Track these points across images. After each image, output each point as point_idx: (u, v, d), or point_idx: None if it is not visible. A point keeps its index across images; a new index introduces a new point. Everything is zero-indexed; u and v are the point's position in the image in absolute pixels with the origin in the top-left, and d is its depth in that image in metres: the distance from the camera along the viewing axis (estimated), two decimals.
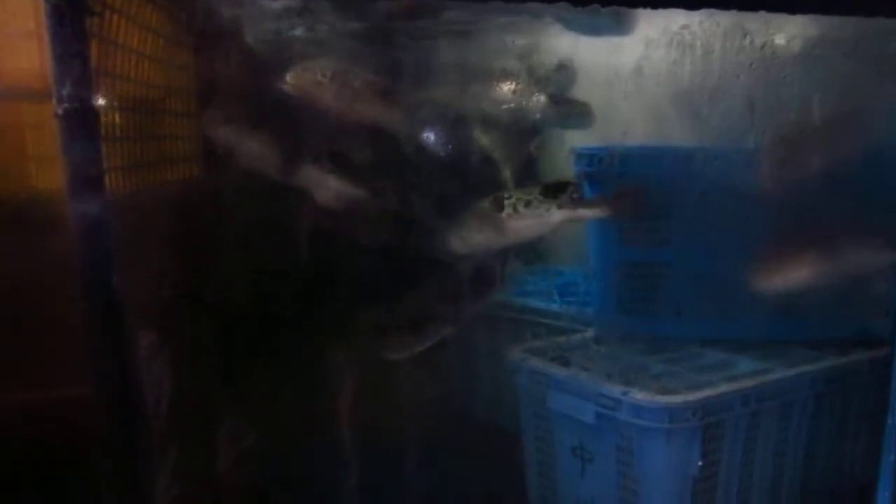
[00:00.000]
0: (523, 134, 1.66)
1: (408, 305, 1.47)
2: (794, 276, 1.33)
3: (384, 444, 1.60)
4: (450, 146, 1.55)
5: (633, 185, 1.40)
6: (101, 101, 0.97)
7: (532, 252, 2.16)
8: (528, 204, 1.31)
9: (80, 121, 0.89)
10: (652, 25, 1.30)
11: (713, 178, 1.39)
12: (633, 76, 1.35)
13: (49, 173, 1.37)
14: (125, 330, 1.06)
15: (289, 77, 1.26)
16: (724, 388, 1.28)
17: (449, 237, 1.34)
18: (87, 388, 1.14)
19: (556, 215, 1.30)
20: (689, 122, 1.42)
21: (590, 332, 1.62)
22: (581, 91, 1.56)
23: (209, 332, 1.46)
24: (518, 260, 1.79)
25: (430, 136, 1.52)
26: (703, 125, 1.41)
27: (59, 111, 0.87)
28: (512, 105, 1.62)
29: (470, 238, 1.33)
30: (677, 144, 1.46)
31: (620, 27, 1.35)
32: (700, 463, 1.25)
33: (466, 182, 1.51)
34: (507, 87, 1.62)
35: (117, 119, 1.12)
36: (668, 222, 1.47)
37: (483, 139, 1.67)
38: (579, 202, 1.33)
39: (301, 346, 1.53)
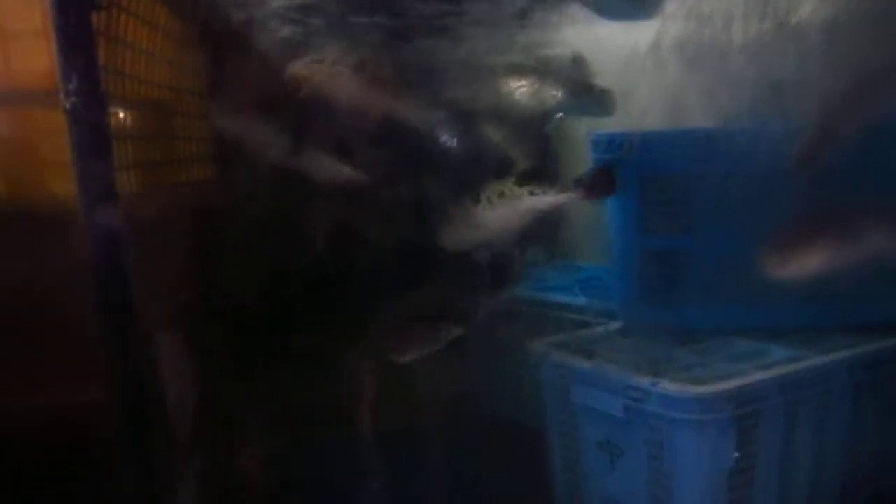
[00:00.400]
0: (539, 124, 1.63)
1: (416, 305, 1.45)
2: (825, 259, 1.28)
3: (403, 444, 1.57)
4: (464, 140, 1.53)
5: (606, 167, 1.37)
6: (109, 99, 0.96)
7: (551, 247, 2.14)
8: (501, 194, 1.30)
9: (88, 115, 0.88)
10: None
11: (736, 160, 1.35)
12: (650, 55, 1.31)
13: (63, 178, 1.37)
14: (140, 332, 1.05)
15: (300, 67, 1.25)
16: (759, 376, 1.23)
17: (438, 233, 1.33)
18: (105, 390, 1.13)
19: (527, 202, 1.30)
20: (709, 102, 1.37)
21: (614, 326, 1.58)
22: (598, 75, 1.52)
23: (223, 333, 1.45)
24: (537, 255, 1.76)
25: (444, 130, 1.50)
26: (724, 104, 1.36)
27: (67, 105, 0.86)
28: (528, 96, 1.59)
29: (453, 233, 1.32)
30: (698, 126, 1.41)
31: (647, 10, 1.31)
32: (736, 455, 1.19)
33: (481, 175, 1.49)
34: (522, 78, 1.60)
35: (127, 118, 1.11)
36: (691, 208, 1.42)
37: (496, 133, 1.64)
38: (552, 188, 1.32)
39: (316, 348, 1.52)
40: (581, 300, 1.79)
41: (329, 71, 1.26)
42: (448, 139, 1.53)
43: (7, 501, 1.35)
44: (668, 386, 1.20)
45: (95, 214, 0.88)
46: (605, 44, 1.53)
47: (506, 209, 1.31)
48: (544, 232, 1.44)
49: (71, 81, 0.85)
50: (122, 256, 0.94)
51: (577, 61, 1.60)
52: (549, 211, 1.33)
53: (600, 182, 1.36)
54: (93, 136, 0.88)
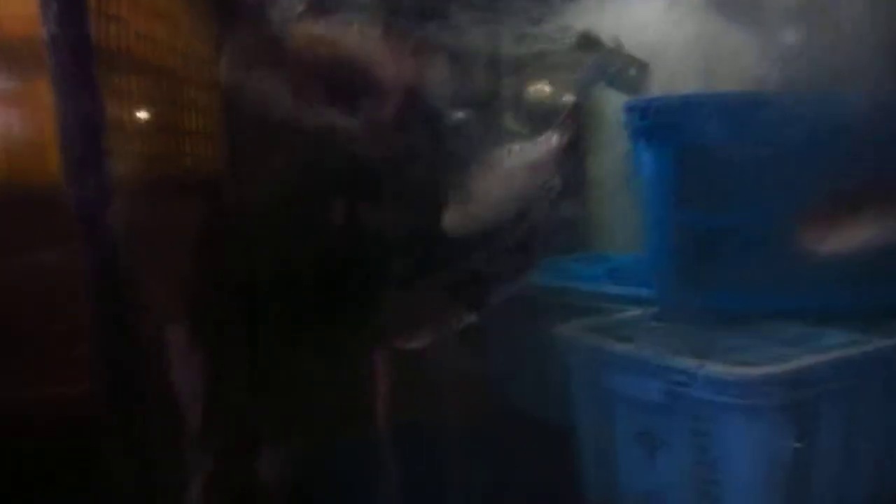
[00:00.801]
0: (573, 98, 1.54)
1: (427, 288, 1.35)
2: (878, 237, 1.18)
3: (422, 440, 1.47)
4: (485, 117, 1.45)
5: (572, 118, 1.30)
6: (99, 39, 0.88)
7: (574, 237, 2.04)
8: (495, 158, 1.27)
9: (72, 49, 0.79)
10: None
11: (785, 127, 1.23)
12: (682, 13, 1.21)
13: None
14: (136, 322, 0.97)
15: (325, 29, 1.17)
16: (817, 358, 1.11)
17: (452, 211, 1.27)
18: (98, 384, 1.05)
19: (509, 161, 1.26)
20: (753, 63, 1.27)
21: (648, 312, 1.46)
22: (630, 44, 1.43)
23: (233, 323, 1.36)
24: (559, 238, 1.66)
25: (466, 107, 1.42)
26: (770, 65, 1.25)
27: (47, 37, 0.77)
28: (563, 71, 1.52)
29: (464, 208, 1.26)
30: (741, 91, 1.31)
31: None
32: (796, 444, 1.07)
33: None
34: (556, 53, 1.52)
35: (121, 77, 1.02)
36: (734, 181, 1.31)
37: (515, 124, 1.57)
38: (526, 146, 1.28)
39: (328, 338, 1.43)
40: (612, 288, 1.69)
41: (358, 33, 1.19)
42: (470, 115, 1.44)
43: (7, 501, 1.27)
44: (716, 368, 1.08)
45: (80, 151, 0.79)
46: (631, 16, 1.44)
47: (497, 171, 1.25)
48: (556, 205, 1.34)
49: (50, 7, 0.76)
50: (107, 213, 0.85)
51: (614, 39, 1.52)
52: (539, 167, 1.26)
53: (567, 122, 1.28)
54: (76, 69, 0.79)
